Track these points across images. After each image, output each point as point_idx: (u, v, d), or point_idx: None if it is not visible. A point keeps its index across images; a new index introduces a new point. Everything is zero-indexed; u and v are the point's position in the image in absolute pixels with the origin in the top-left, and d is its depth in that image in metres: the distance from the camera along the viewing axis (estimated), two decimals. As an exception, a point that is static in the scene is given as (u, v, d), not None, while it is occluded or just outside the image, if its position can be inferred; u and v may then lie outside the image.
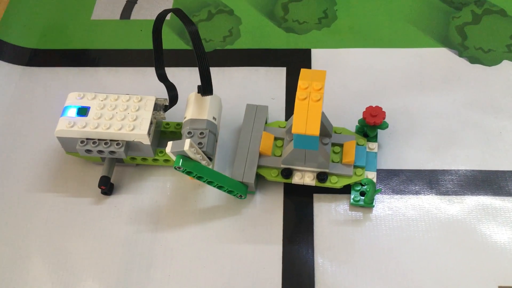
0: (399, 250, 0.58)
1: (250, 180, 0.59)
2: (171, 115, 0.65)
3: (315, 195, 0.61)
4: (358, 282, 0.56)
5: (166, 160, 0.62)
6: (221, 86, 0.69)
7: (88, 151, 0.60)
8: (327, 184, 0.59)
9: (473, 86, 0.69)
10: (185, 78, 0.71)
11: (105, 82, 0.72)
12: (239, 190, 0.59)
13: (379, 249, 0.58)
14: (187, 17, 0.54)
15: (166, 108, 0.62)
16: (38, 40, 0.77)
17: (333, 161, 0.60)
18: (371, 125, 0.61)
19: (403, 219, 0.60)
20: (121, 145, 0.59)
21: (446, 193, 0.61)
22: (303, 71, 0.55)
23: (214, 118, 0.60)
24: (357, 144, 0.61)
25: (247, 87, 0.71)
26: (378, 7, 0.78)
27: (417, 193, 0.61)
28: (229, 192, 0.59)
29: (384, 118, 0.61)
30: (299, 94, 0.53)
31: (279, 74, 0.72)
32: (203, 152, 0.57)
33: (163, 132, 0.65)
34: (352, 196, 0.60)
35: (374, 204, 0.60)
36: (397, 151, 0.64)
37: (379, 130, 0.65)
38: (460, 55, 0.72)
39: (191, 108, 0.60)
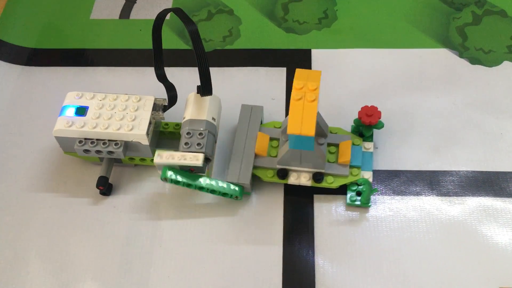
0: (400, 251, 0.57)
1: (245, 181, 0.59)
2: (170, 115, 0.65)
3: (316, 196, 0.61)
4: (359, 283, 0.56)
5: (165, 161, 0.62)
6: (221, 86, 0.69)
7: (86, 151, 0.59)
8: (323, 184, 0.59)
9: (474, 87, 0.69)
10: (185, 78, 0.71)
11: (104, 81, 0.72)
12: (232, 193, 0.58)
13: (380, 250, 0.57)
14: (187, 17, 0.54)
15: (165, 108, 0.62)
16: (37, 40, 0.77)
17: (329, 161, 0.60)
18: (366, 125, 0.61)
19: (404, 220, 0.59)
20: (119, 145, 0.59)
21: (447, 194, 0.61)
22: (298, 71, 0.55)
23: (213, 118, 0.60)
24: (353, 144, 0.61)
25: (247, 88, 0.70)
26: (378, 7, 0.78)
27: (417, 194, 0.61)
28: (224, 194, 0.59)
29: (379, 118, 0.61)
30: (294, 94, 0.53)
31: (279, 74, 0.72)
32: (203, 152, 0.57)
33: (162, 133, 0.65)
34: (348, 196, 0.59)
35: (370, 204, 0.59)
36: (397, 152, 0.64)
37: (378, 131, 0.65)
38: (461, 56, 0.72)
39: (190, 108, 0.60)
